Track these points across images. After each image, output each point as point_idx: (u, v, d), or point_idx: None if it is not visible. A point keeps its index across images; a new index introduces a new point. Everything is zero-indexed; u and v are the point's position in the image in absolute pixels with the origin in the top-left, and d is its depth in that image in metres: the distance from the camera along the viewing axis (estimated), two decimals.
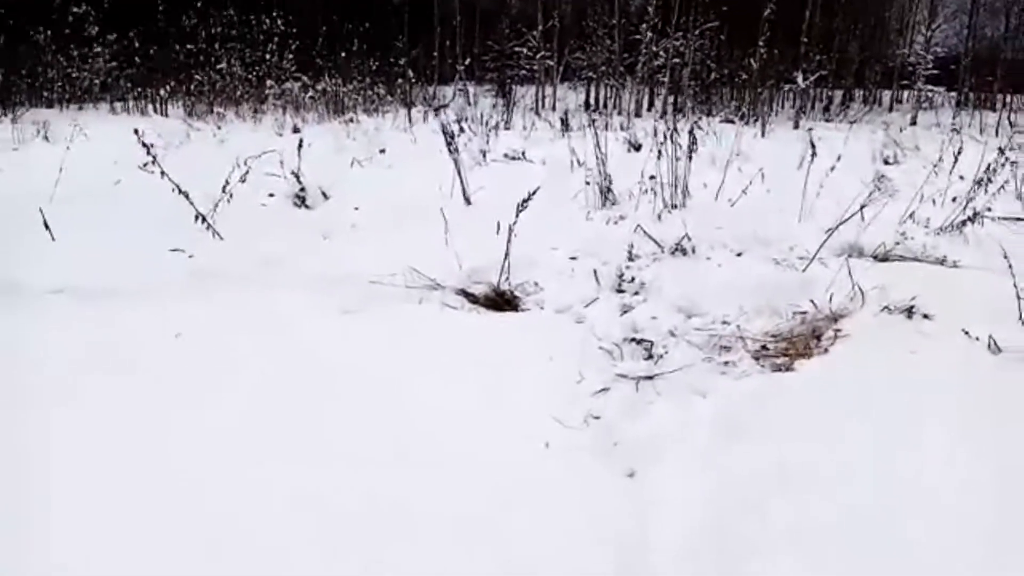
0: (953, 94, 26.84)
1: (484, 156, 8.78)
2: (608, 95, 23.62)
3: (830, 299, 3.83)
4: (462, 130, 10.34)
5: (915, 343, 3.32)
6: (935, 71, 24.05)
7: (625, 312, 3.99)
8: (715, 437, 2.80)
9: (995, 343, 3.25)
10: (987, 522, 2.28)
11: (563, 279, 4.42)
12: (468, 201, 6.48)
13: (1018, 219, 5.54)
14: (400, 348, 3.45)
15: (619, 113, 18.99)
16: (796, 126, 16.52)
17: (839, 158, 6.04)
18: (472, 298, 4.13)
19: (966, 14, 28.11)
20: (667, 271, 4.56)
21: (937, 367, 3.16)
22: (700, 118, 12.03)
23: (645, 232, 5.33)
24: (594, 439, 2.79)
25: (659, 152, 6.26)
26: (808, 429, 2.82)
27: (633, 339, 3.64)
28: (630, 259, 4.88)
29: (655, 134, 7.80)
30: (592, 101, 24.57)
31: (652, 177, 6.21)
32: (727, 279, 4.33)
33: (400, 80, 17.71)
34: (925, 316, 3.60)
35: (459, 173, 6.47)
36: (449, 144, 6.53)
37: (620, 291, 4.36)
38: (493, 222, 4.84)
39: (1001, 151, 5.67)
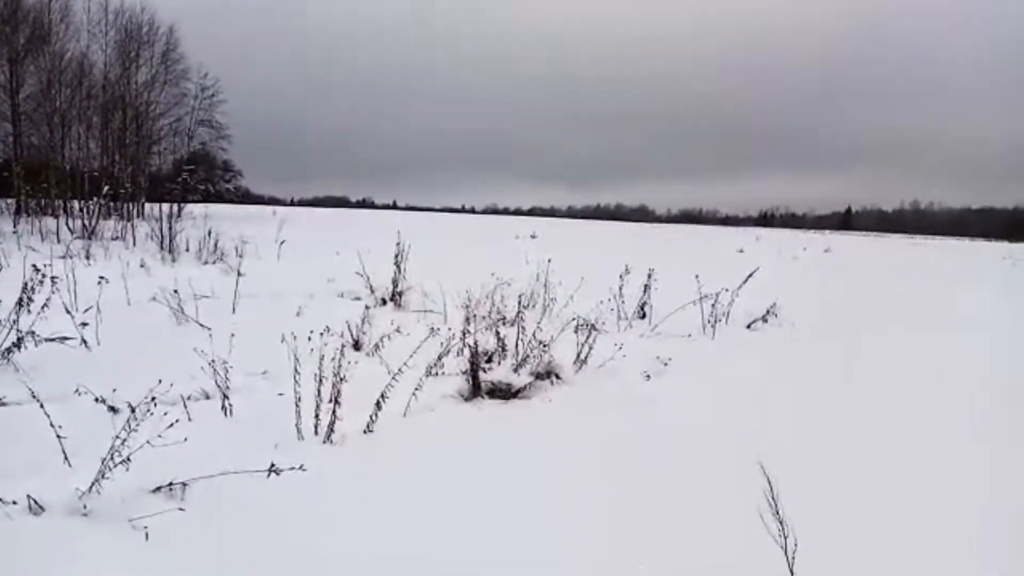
0: (13, 200, 26.02)
1: None
2: None
3: None
4: None
5: None
6: None
7: None
8: None
9: (36, 502, 2.79)
10: None
11: None
12: None
13: (66, 338, 5.31)
14: None
15: None
16: None
17: None
18: None
19: (8, 121, 27.64)
20: None
21: None
22: None
23: None
24: None
25: None
26: None
27: None
28: None
29: None
30: None
31: None
32: None
33: None
34: None
35: None
36: None
37: None
38: None
39: (36, 268, 5.31)
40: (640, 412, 4.80)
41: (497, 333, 5.69)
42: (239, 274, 9.11)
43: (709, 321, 7.78)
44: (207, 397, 4.61)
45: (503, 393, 4.93)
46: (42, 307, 5.33)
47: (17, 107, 27.42)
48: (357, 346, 6.29)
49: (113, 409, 4.14)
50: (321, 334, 4.87)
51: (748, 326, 8.17)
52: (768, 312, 8.37)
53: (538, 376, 5.19)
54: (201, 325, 6.75)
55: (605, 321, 6.62)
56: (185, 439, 3.24)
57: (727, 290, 8.25)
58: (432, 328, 5.45)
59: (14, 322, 5.17)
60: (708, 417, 4.79)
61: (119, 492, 2.91)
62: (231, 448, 3.58)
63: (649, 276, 8.43)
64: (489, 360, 5.29)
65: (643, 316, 8.31)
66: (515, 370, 5.15)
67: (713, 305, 7.87)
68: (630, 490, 3.50)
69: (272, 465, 3.09)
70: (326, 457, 3.59)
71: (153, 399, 3.15)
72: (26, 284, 5.28)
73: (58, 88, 28.56)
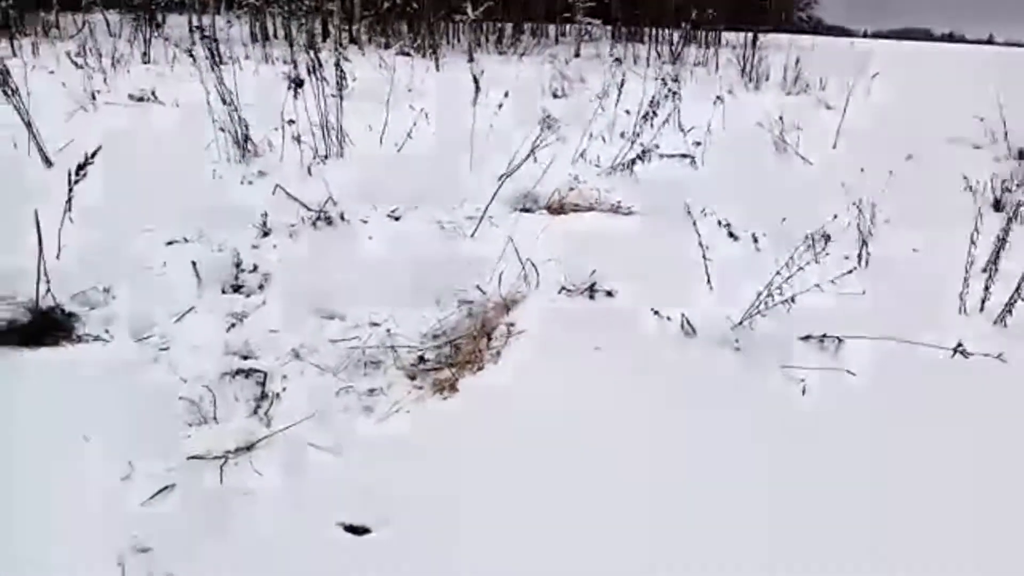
0: (609, 27, 28.74)
1: (94, 98, 6.85)
2: (278, 25, 21.17)
3: (499, 280, 3.03)
4: (79, 65, 8.15)
5: (600, 337, 2.63)
6: (592, 4, 25.31)
7: (234, 325, 2.80)
8: None
9: (689, 323, 2.68)
10: None
11: (148, 279, 3.07)
12: (48, 162, 4.75)
13: (684, 155, 5.32)
14: None
15: (290, 45, 16.97)
16: (471, 59, 16.08)
17: (506, 95, 5.39)
18: None
19: None
20: (303, 251, 3.45)
21: (630, 374, 2.48)
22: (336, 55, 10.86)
23: (287, 193, 4.16)
24: None
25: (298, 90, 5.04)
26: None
27: (240, 371, 2.50)
28: (264, 234, 3.67)
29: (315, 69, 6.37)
30: (257, 32, 21.88)
31: (291, 121, 4.99)
32: (380, 256, 3.35)
33: None
34: (609, 294, 2.96)
35: (29, 125, 4.72)
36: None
37: (236, 288, 3.14)
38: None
39: (664, 82, 5.37)
40: None
41: None
42: (828, 107, 8.25)
43: None
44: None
45: None
46: (663, 123, 5.42)
47: None
48: (998, 206, 5.03)
49: (732, 235, 3.96)
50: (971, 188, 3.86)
51: None
52: None
53: None
54: (801, 157, 6.22)
55: None
56: (863, 291, 2.79)
57: None
58: None
59: (637, 135, 5.37)
60: None
61: (770, 332, 2.62)
62: (873, 306, 3.01)
63: None
64: None
65: None
66: None
67: None
68: None
69: (959, 345, 2.43)
70: (1005, 344, 2.74)
71: (811, 235, 2.74)
72: (653, 98, 5.39)
73: None
